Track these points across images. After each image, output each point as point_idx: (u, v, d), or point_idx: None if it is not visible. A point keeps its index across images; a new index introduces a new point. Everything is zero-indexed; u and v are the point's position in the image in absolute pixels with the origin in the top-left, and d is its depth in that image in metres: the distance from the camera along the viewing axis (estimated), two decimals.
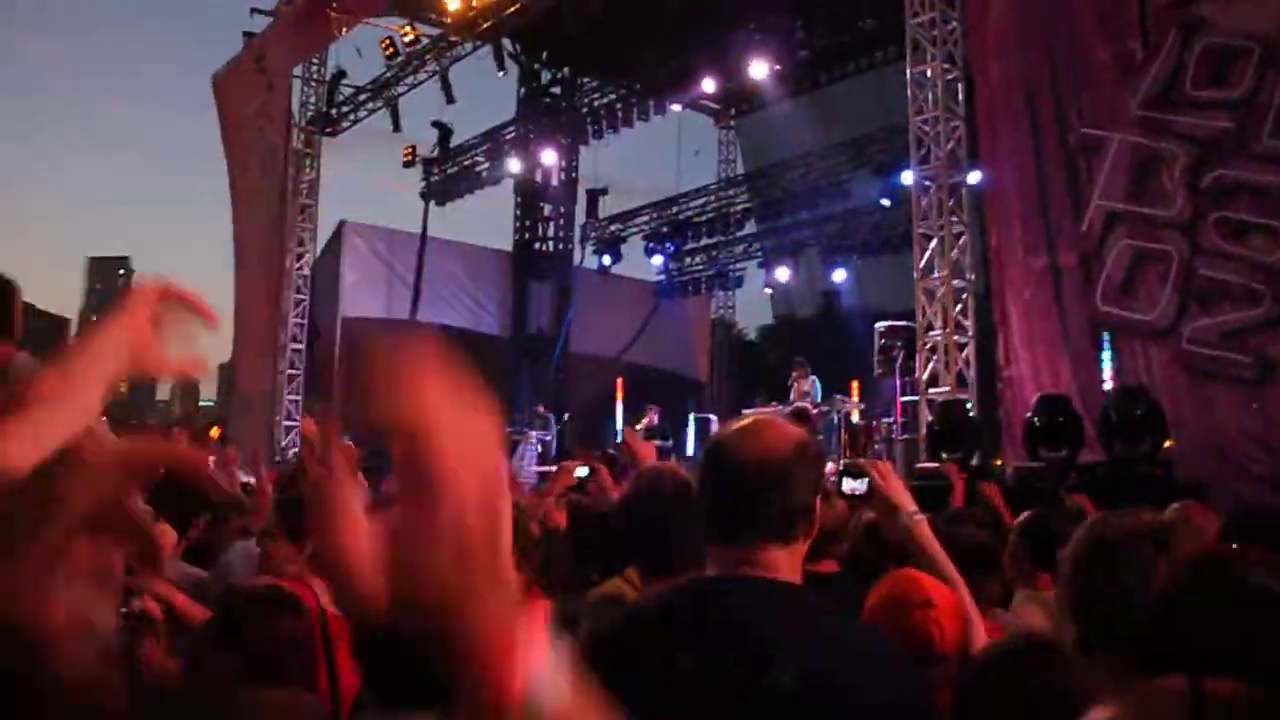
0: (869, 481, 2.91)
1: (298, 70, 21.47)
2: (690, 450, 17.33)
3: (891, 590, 2.65)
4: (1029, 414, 10.21)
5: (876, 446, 14.03)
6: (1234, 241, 9.79)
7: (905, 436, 13.51)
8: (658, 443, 16.08)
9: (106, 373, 1.34)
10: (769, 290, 24.68)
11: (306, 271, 21.87)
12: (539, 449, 16.65)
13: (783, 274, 22.49)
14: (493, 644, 0.68)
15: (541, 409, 18.07)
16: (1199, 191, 10.01)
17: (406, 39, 19.57)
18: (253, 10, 21.28)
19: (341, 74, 21.35)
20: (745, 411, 14.84)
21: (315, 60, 21.62)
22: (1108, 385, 10.49)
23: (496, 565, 0.69)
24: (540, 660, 0.70)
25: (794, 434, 2.06)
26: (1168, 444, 9.32)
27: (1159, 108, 10.36)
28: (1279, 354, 9.45)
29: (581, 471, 7.20)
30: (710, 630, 1.85)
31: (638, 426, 17.29)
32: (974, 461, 10.81)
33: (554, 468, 7.86)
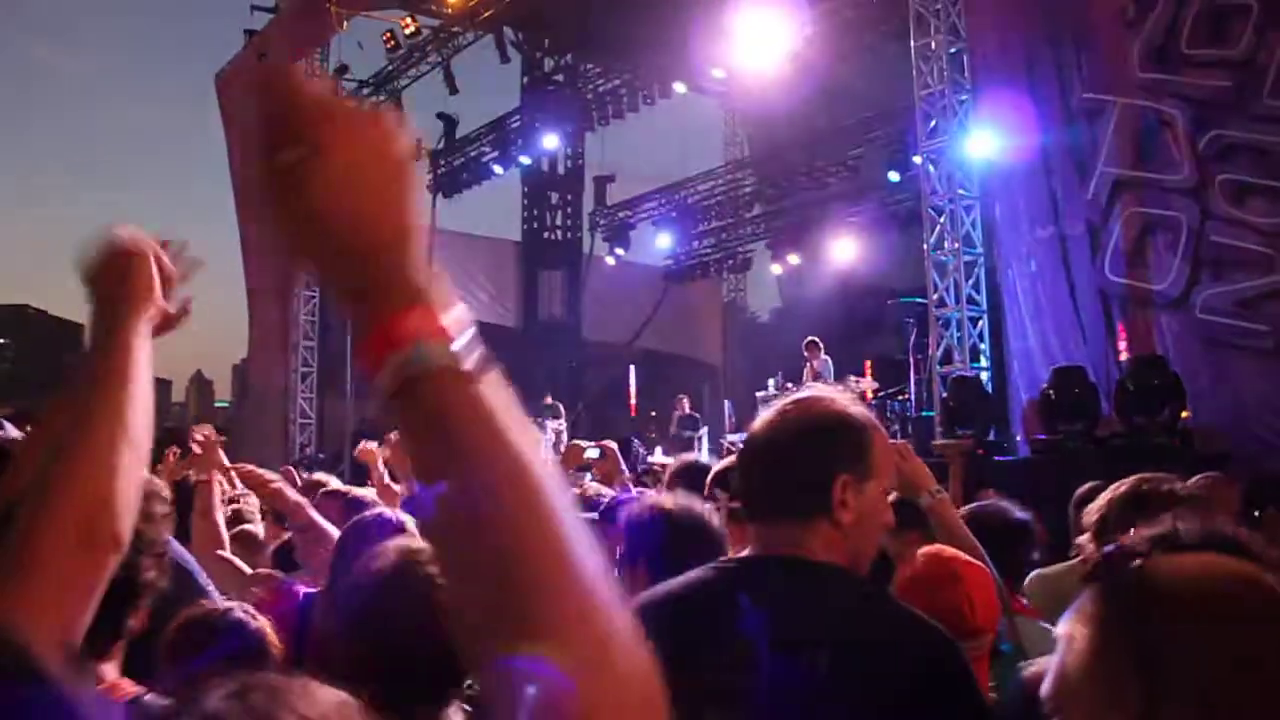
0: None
1: (300, 65, 21.41)
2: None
3: (920, 568, 2.65)
4: (1044, 387, 10.12)
5: (892, 426, 13.93)
6: (1239, 205, 9.66)
7: (920, 413, 13.41)
8: (687, 433, 16.08)
9: (147, 355, 1.38)
10: (778, 271, 24.56)
11: None
12: (553, 438, 16.58)
13: (792, 254, 22.38)
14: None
15: (549, 399, 18.02)
16: (1202, 154, 9.87)
17: (407, 31, 19.49)
18: (253, 7, 21.24)
19: (344, 69, 21.26)
20: (759, 394, 14.78)
21: (317, 55, 21.55)
22: (1122, 356, 10.38)
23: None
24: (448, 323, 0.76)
25: (832, 409, 2.01)
26: (1185, 414, 9.22)
27: (1157, 68, 10.22)
28: None
29: (593, 453, 7.15)
30: (746, 611, 1.82)
31: (675, 414, 17.28)
32: (989, 436, 10.75)
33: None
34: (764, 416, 2.04)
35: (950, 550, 2.71)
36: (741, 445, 2.07)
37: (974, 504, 3.69)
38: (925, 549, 2.78)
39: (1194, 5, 9.95)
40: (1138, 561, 1.14)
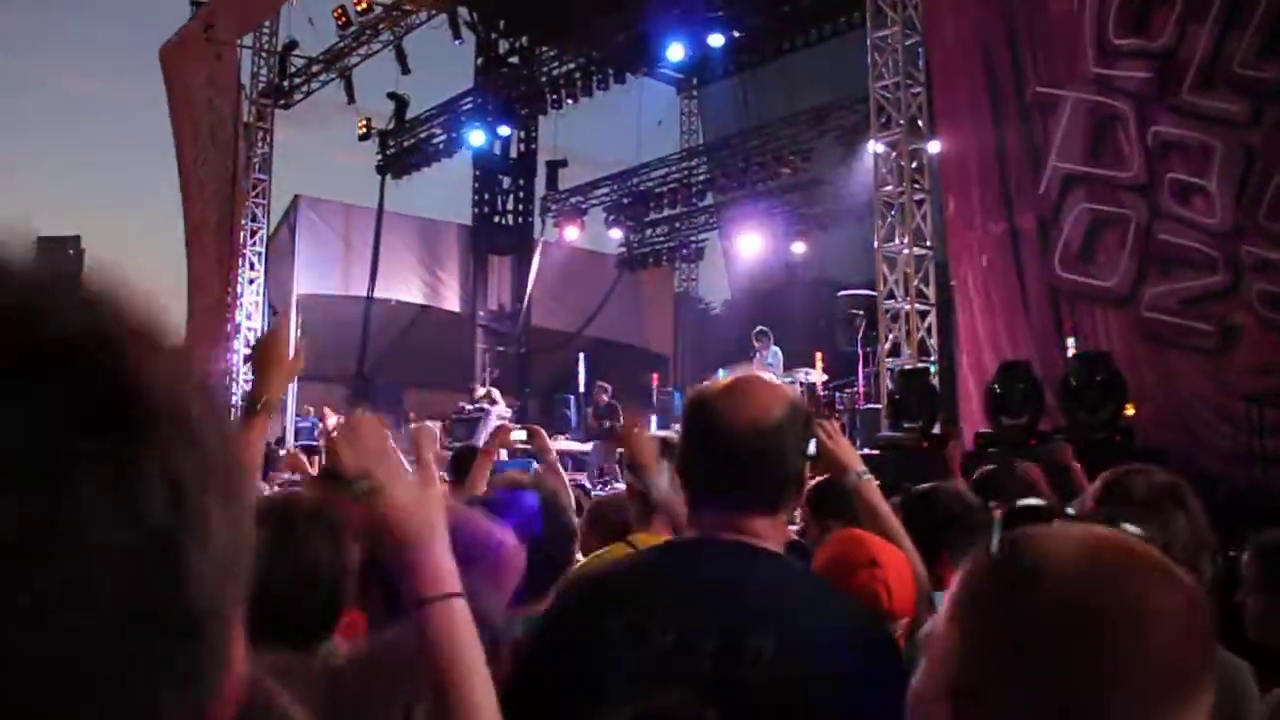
0: (816, 441, 2.81)
1: (248, 40, 21.02)
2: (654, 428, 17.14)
3: (836, 551, 2.61)
4: (989, 381, 10.11)
5: (840, 417, 13.91)
6: (1183, 204, 9.68)
7: (868, 406, 13.41)
8: (606, 423, 15.92)
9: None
10: (728, 261, 24.53)
11: (260, 248, 21.48)
12: (494, 425, 16.38)
13: (744, 245, 22.33)
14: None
15: (481, 389, 17.86)
16: (1150, 150, 9.89)
17: (360, 8, 19.17)
18: None
19: (293, 44, 20.89)
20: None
21: (266, 30, 21.16)
22: (1069, 352, 10.39)
23: None
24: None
25: (784, 395, 1.96)
26: (1129, 411, 9.24)
27: (1100, 62, 10.23)
28: (1240, 321, 9.34)
29: (520, 435, 7.02)
30: (690, 595, 1.82)
31: (588, 407, 17.12)
32: (935, 429, 10.73)
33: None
34: (724, 398, 1.93)
35: (866, 534, 2.66)
36: (695, 425, 1.96)
37: (924, 486, 3.62)
38: (841, 532, 2.77)
39: None
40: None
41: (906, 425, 10.73)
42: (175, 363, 0.53)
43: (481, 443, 6.59)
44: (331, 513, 1.99)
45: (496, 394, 17.46)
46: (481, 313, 23.82)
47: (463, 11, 20.42)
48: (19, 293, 0.49)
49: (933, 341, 12.55)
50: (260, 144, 21.47)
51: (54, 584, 0.45)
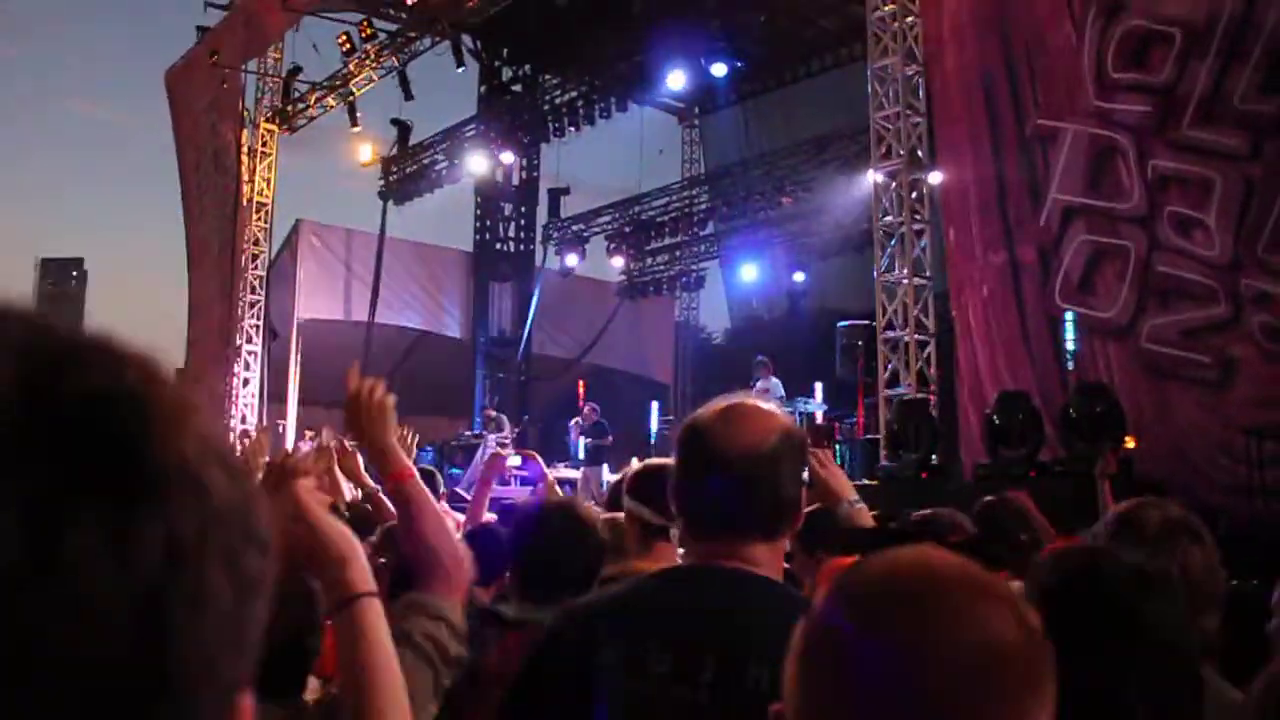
0: (808, 470, 2.79)
1: (253, 65, 21.12)
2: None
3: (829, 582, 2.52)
4: (988, 411, 10.09)
5: (839, 447, 13.87)
6: (1184, 236, 9.69)
7: (866, 437, 13.36)
8: (592, 441, 15.83)
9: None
10: (729, 290, 24.55)
11: (262, 271, 21.51)
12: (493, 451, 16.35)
13: (745, 274, 22.36)
14: None
15: (493, 412, 17.78)
16: (1150, 183, 9.91)
17: (364, 34, 19.27)
18: (207, 4, 20.93)
19: (297, 69, 20.99)
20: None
21: (271, 55, 21.27)
22: (1068, 383, 10.37)
23: None
24: None
25: (779, 422, 1.94)
26: (1128, 442, 9.20)
27: (1099, 95, 10.27)
28: (1240, 354, 9.32)
29: (514, 461, 7.04)
30: (687, 624, 1.79)
31: (572, 422, 16.96)
32: (934, 461, 10.69)
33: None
34: (719, 425, 1.91)
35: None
36: (690, 452, 1.93)
37: (923, 513, 3.63)
38: (835, 562, 2.65)
39: (1117, 28, 10.02)
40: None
41: (904, 456, 10.68)
42: (193, 425, 0.53)
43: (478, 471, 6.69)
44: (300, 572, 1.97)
45: (505, 420, 17.39)
46: (482, 339, 23.82)
47: (466, 39, 20.51)
48: (46, 348, 0.50)
49: (932, 372, 12.51)
50: (263, 168, 21.52)
51: (34, 631, 0.45)
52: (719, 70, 17.94)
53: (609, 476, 13.95)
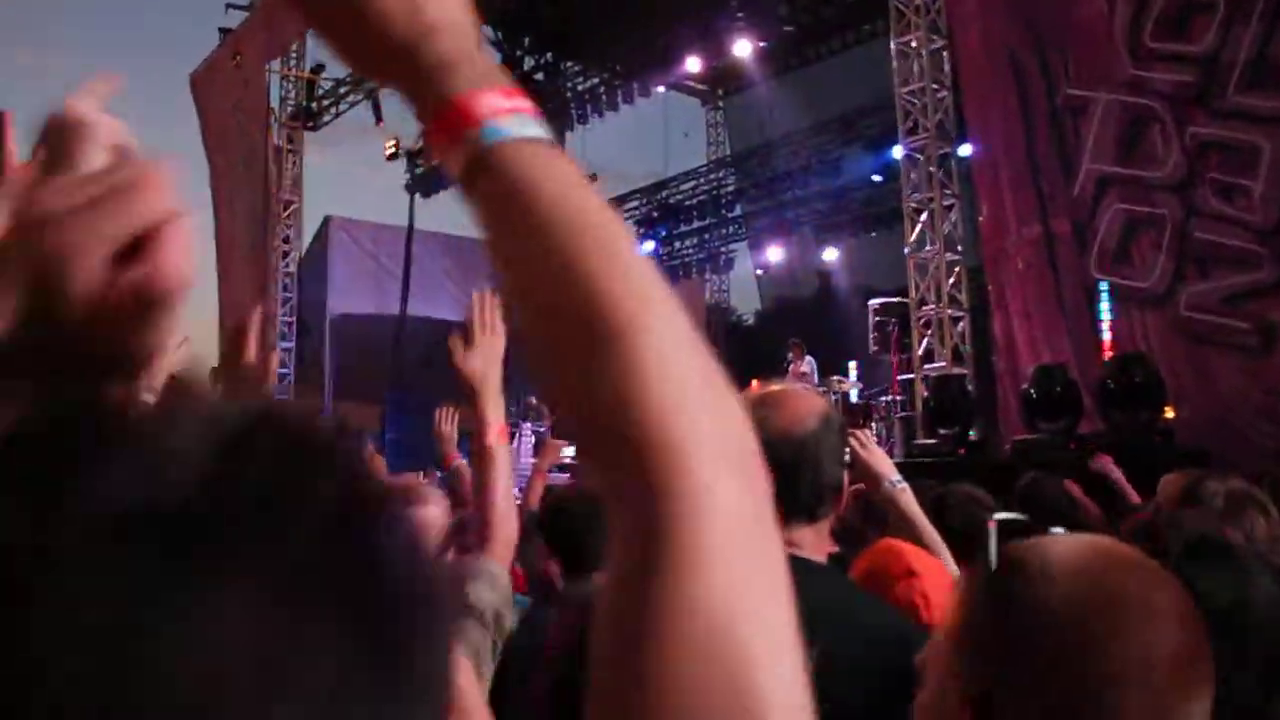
0: (849, 451, 2.80)
1: (276, 65, 21.19)
2: None
3: (872, 563, 2.54)
4: (1025, 385, 10.00)
5: (875, 425, 13.82)
6: (1226, 202, 9.56)
7: (903, 414, 13.31)
8: None
9: None
10: (760, 272, 24.45)
11: (293, 268, 21.63)
12: (533, 440, 16.37)
13: (774, 254, 22.28)
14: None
15: (534, 399, 17.77)
16: (1188, 150, 9.79)
17: None
18: (228, 5, 21.01)
19: (320, 67, 21.05)
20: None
21: (294, 54, 21.34)
22: (1107, 354, 10.28)
23: None
24: (518, 103, 0.74)
25: (818, 404, 1.98)
26: (1169, 412, 9.11)
27: (1136, 64, 10.14)
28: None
29: (570, 450, 7.05)
30: None
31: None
32: (971, 436, 10.63)
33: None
34: (757, 410, 1.89)
35: (902, 544, 2.60)
36: None
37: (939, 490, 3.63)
38: (877, 543, 2.70)
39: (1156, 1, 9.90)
40: (1022, 539, 1.10)
41: (942, 432, 10.61)
42: (410, 536, 0.51)
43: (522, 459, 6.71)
44: None
45: (545, 409, 17.38)
46: (515, 328, 23.83)
47: (487, 30, 20.49)
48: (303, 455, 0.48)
49: (967, 347, 12.44)
50: (290, 166, 21.62)
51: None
52: (742, 50, 17.84)
53: None
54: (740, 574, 0.63)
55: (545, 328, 0.72)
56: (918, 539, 2.70)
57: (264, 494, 0.45)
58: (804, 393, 2.01)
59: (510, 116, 0.74)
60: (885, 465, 2.89)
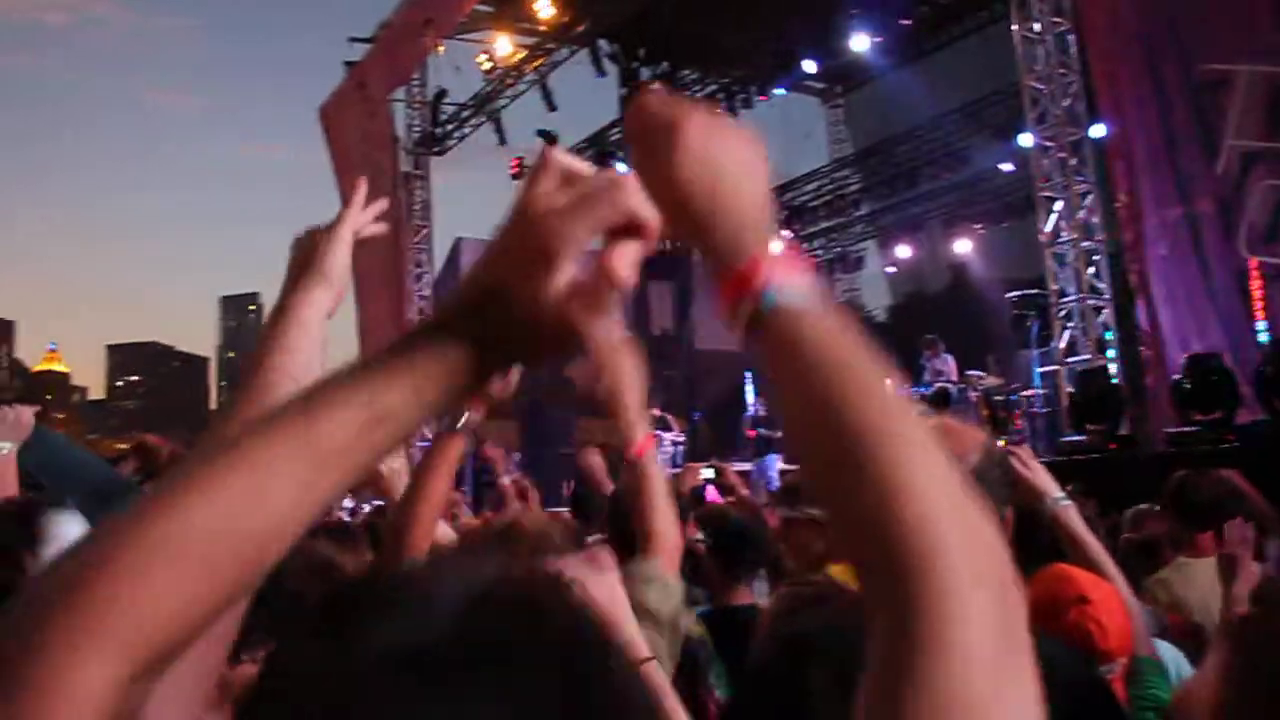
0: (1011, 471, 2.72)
1: (400, 94, 21.68)
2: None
3: (1043, 591, 2.43)
4: (1177, 376, 9.60)
5: (1019, 423, 13.44)
6: None
7: (1047, 410, 12.91)
8: (762, 432, 15.54)
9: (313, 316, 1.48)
10: (891, 269, 24.09)
11: (427, 291, 22.09)
12: (670, 450, 16.41)
13: (903, 250, 21.93)
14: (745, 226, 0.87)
15: (658, 411, 17.78)
16: None
17: (503, 52, 19.59)
18: (351, 39, 21.58)
19: (443, 93, 21.47)
20: None
21: (416, 81, 21.81)
22: (1263, 338, 9.79)
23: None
24: (791, 270, 0.86)
25: (977, 438, 1.92)
26: None
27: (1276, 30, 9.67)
28: None
29: (708, 473, 7.10)
30: None
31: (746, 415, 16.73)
32: (1121, 431, 10.25)
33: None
34: None
35: (1071, 569, 2.50)
36: None
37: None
38: (1046, 569, 2.58)
39: None
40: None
41: (1090, 428, 10.24)
42: (619, 658, 0.67)
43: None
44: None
45: (670, 419, 17.42)
46: (644, 339, 23.94)
47: (603, 44, 20.63)
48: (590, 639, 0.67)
49: (1111, 337, 12.02)
50: (419, 192, 22.09)
51: None
52: (859, 44, 17.60)
53: (780, 466, 13.90)
54: (988, 681, 0.68)
55: (815, 451, 0.82)
56: (1087, 561, 2.60)
57: (504, 638, 0.62)
58: (962, 426, 1.94)
59: (783, 283, 0.86)
60: (1047, 483, 2.80)
